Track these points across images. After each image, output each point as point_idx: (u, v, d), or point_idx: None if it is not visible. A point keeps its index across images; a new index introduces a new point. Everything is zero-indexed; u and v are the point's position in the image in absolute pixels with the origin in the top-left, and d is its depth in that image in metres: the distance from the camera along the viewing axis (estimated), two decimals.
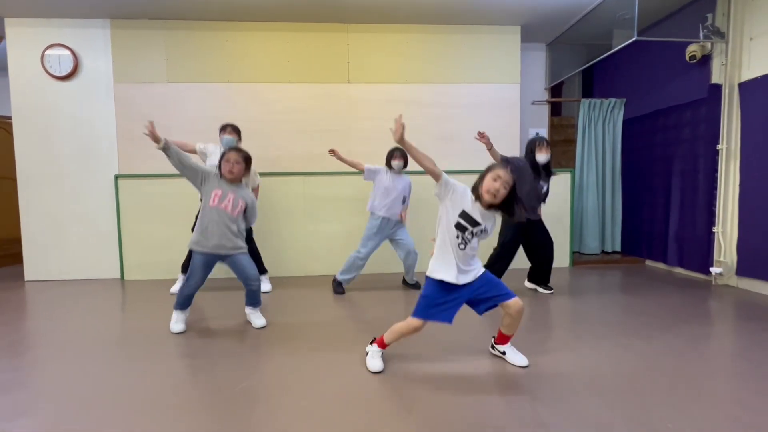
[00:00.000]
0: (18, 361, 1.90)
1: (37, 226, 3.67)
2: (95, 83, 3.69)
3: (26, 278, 3.68)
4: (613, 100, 4.27)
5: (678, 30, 3.47)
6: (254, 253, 3.04)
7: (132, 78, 3.71)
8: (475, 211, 1.64)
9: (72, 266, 3.72)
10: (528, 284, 3.15)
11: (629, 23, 3.18)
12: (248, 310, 2.41)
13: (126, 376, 1.73)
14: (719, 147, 3.25)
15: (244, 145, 3.84)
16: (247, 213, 2.32)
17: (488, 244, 2.98)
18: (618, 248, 4.36)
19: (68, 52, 3.61)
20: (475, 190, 1.65)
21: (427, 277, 1.71)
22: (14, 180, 3.70)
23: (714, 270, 3.25)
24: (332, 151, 3.05)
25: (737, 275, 3.16)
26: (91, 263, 3.73)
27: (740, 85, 3.12)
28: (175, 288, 3.11)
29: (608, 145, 4.32)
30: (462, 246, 1.65)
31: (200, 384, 1.65)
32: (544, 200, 2.99)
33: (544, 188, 2.90)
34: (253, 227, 3.02)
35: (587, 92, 5.04)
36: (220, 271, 2.83)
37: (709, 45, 3.30)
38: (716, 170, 3.29)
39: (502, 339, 1.84)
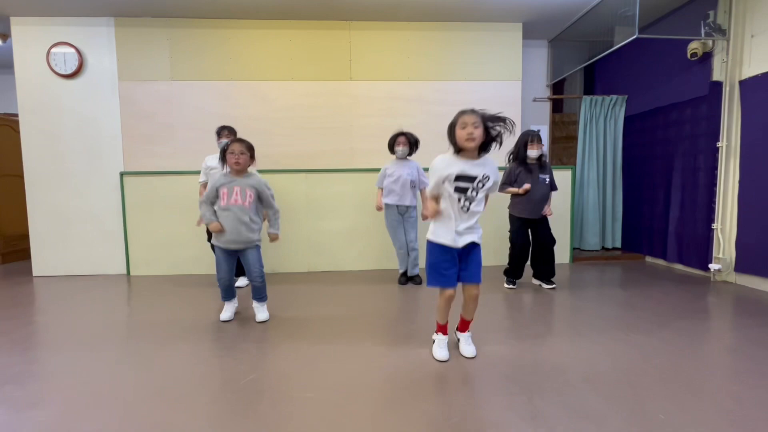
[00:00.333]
0: (30, 354, 1.96)
1: (44, 223, 3.73)
2: (100, 81, 3.73)
3: (34, 274, 3.74)
4: (614, 97, 4.28)
5: (679, 27, 3.47)
6: None
7: (136, 76, 3.75)
8: (465, 166, 1.68)
9: (79, 262, 3.78)
10: (534, 281, 3.20)
11: (631, 20, 3.19)
12: (254, 304, 2.47)
13: (135, 368, 1.79)
14: (719, 144, 3.26)
15: None
16: (262, 197, 2.34)
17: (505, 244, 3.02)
18: (618, 245, 4.39)
19: (73, 51, 3.65)
20: (454, 146, 1.71)
21: (428, 241, 1.78)
22: (21, 177, 3.76)
23: (713, 266, 3.28)
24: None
25: (736, 271, 3.19)
26: (98, 259, 3.79)
27: (741, 82, 3.13)
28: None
29: (609, 141, 4.33)
30: (466, 207, 1.70)
31: (207, 376, 1.70)
32: (554, 188, 3.04)
33: (547, 180, 2.94)
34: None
35: (589, 89, 5.04)
36: None
37: (710, 42, 3.30)
38: (716, 167, 3.31)
39: (462, 326, 1.92)
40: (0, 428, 1.34)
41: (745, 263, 3.10)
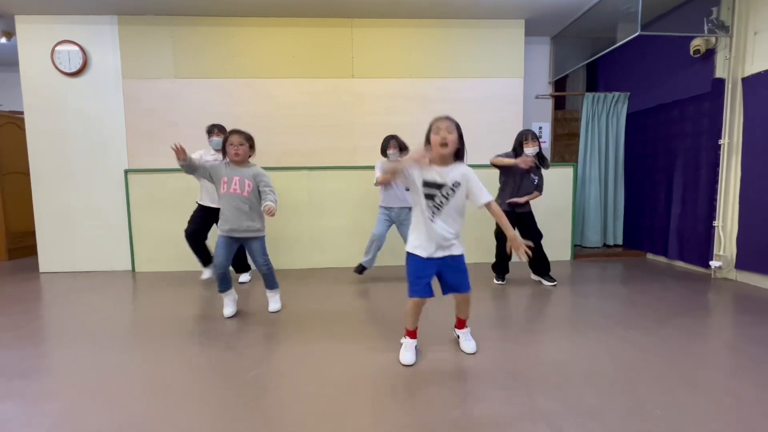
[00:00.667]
0: (39, 348, 2.00)
1: (50, 220, 3.77)
2: (104, 79, 3.76)
3: (41, 270, 3.79)
4: (616, 93, 4.27)
5: (682, 24, 3.46)
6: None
7: (140, 74, 3.77)
8: (434, 172, 1.67)
9: (84, 258, 3.82)
10: (533, 276, 3.22)
11: (633, 17, 3.18)
12: (267, 293, 2.56)
13: (141, 363, 1.82)
14: (721, 142, 3.26)
15: None
16: (261, 189, 2.36)
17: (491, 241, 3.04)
18: (619, 241, 4.40)
19: (77, 49, 3.67)
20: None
21: (407, 253, 1.77)
22: (27, 175, 3.80)
23: (713, 263, 3.29)
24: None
25: (736, 269, 3.20)
26: (103, 255, 3.83)
27: (743, 79, 3.12)
28: (205, 275, 3.27)
29: (611, 138, 4.33)
30: (432, 214, 1.67)
31: (212, 371, 1.73)
32: (539, 190, 3.04)
33: (535, 181, 2.97)
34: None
35: (591, 86, 5.03)
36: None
37: (713, 39, 3.29)
38: (718, 165, 3.31)
39: (459, 324, 1.94)
40: (12, 421, 1.38)
41: (745, 260, 3.11)
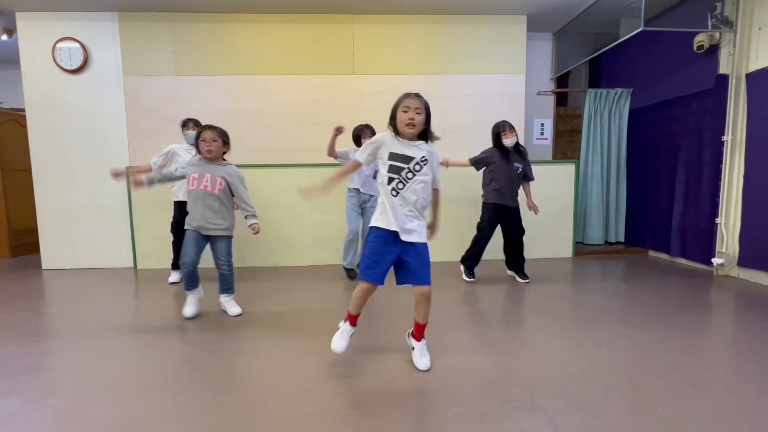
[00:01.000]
0: (42, 345, 2.01)
1: (52, 217, 3.79)
2: (105, 76, 3.76)
3: (43, 267, 3.81)
4: (619, 90, 4.25)
5: (686, 19, 3.43)
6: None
7: (140, 71, 3.77)
8: (402, 146, 1.61)
9: (87, 255, 3.84)
10: (508, 272, 3.23)
11: (636, 12, 3.15)
12: (222, 298, 2.43)
13: (143, 359, 1.83)
14: (724, 138, 3.24)
15: (251, 137, 3.92)
16: (232, 188, 2.31)
17: (471, 230, 3.03)
18: (621, 239, 4.39)
19: (78, 46, 3.67)
20: (395, 129, 1.63)
21: (369, 228, 1.67)
22: (29, 172, 3.80)
23: (716, 261, 3.28)
24: (339, 130, 2.95)
25: (738, 266, 3.18)
26: (105, 252, 3.84)
27: (748, 75, 3.10)
28: (172, 278, 3.23)
29: (614, 135, 4.31)
30: (396, 189, 1.59)
31: (214, 368, 1.74)
32: (528, 179, 3.05)
33: (519, 169, 2.96)
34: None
35: (593, 82, 5.00)
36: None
37: (717, 35, 3.27)
38: (721, 161, 3.29)
39: (417, 332, 1.73)
40: (15, 417, 1.39)
41: (748, 258, 3.10)
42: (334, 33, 3.87)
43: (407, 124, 1.58)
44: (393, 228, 1.60)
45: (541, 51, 4.41)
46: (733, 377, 1.61)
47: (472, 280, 3.10)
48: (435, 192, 1.74)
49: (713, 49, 3.33)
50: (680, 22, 3.47)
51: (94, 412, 1.42)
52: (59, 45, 3.66)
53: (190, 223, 2.28)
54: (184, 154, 3.06)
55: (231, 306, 2.42)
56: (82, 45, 3.68)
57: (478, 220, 3.08)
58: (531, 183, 3.11)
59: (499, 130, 2.91)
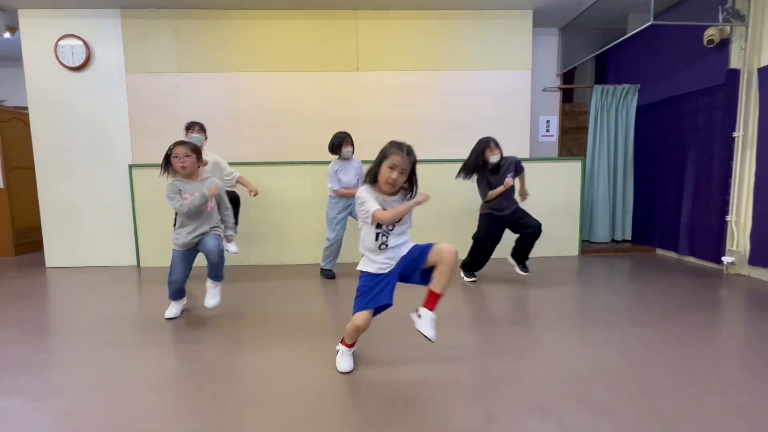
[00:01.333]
0: (45, 343, 2.00)
1: (55, 215, 3.78)
2: (107, 73, 3.74)
3: (47, 265, 3.81)
4: (626, 86, 4.18)
5: (696, 13, 3.36)
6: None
7: (143, 68, 3.75)
8: (384, 202, 1.57)
9: (90, 253, 3.83)
10: (509, 259, 3.10)
11: (645, 6, 3.09)
12: (208, 283, 2.30)
13: (146, 358, 1.81)
14: (735, 134, 3.18)
15: (255, 134, 3.89)
16: (219, 201, 2.30)
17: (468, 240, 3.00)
18: (628, 237, 4.33)
19: (80, 43, 3.65)
20: (373, 178, 1.58)
21: (360, 271, 1.65)
22: (33, 170, 3.80)
23: (726, 259, 3.23)
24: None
25: (750, 264, 3.13)
26: (109, 251, 3.84)
27: (760, 70, 3.03)
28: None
29: (621, 132, 4.24)
30: (385, 244, 1.59)
31: (219, 367, 1.72)
32: (519, 172, 2.96)
33: (508, 174, 2.85)
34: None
35: (600, 78, 4.94)
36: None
37: (728, 28, 3.20)
38: (731, 158, 3.23)
39: (429, 300, 1.62)
40: (18, 416, 1.37)
41: (759, 256, 3.04)
42: (338, 29, 3.83)
43: (387, 183, 1.54)
44: (384, 271, 1.60)
45: (547, 47, 4.35)
46: (747, 379, 1.57)
47: (473, 279, 3.05)
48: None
49: (724, 44, 3.27)
50: (690, 16, 3.40)
51: (96, 411, 1.40)
52: (62, 42, 3.64)
53: (176, 242, 2.21)
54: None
55: (212, 295, 2.29)
56: (85, 42, 3.66)
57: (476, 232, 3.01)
58: (525, 174, 2.99)
59: (485, 146, 2.81)
